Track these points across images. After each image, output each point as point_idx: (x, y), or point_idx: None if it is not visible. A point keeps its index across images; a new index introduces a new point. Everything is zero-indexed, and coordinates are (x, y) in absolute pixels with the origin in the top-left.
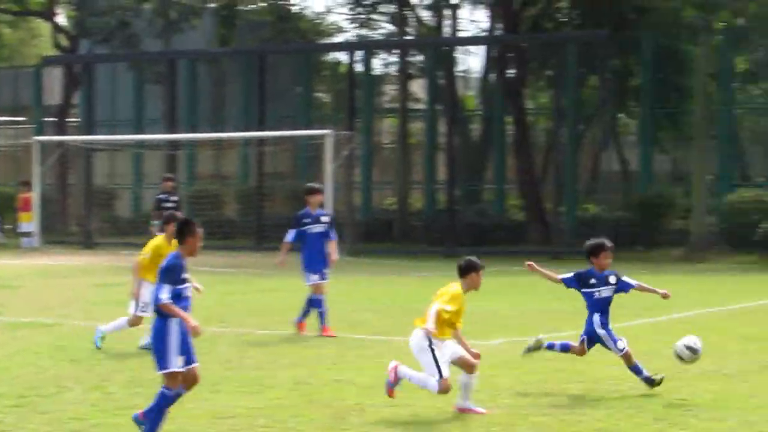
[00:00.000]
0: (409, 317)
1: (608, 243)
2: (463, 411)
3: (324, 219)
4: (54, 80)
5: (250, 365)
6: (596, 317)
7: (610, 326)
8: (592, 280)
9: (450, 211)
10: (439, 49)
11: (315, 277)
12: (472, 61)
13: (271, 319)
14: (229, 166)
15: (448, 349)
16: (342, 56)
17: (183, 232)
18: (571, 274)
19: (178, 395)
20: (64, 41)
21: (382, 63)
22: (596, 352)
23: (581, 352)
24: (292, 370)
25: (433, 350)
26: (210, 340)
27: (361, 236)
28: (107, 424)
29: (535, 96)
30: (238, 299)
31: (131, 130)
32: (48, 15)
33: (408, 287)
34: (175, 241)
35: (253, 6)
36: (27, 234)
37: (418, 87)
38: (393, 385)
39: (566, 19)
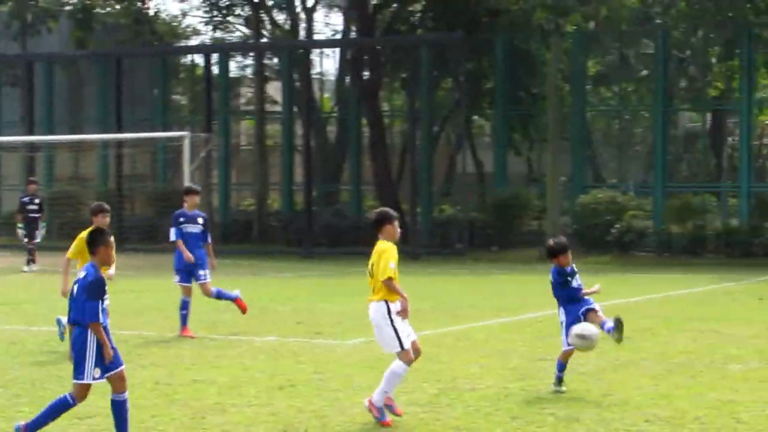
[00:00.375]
0: (268, 317)
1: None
2: (386, 403)
3: (200, 220)
4: None
5: None
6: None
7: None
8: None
9: (307, 212)
10: (295, 52)
11: (176, 278)
12: (327, 63)
13: (131, 319)
14: (87, 168)
15: (406, 327)
16: (198, 59)
17: (95, 242)
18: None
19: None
20: None
21: (238, 66)
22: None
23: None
24: (152, 370)
25: (392, 322)
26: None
27: (220, 237)
28: None
29: (391, 98)
30: None
31: None
32: None
33: (266, 288)
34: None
35: (109, 9)
36: None
37: (274, 89)
38: (384, 417)
39: (420, 22)
